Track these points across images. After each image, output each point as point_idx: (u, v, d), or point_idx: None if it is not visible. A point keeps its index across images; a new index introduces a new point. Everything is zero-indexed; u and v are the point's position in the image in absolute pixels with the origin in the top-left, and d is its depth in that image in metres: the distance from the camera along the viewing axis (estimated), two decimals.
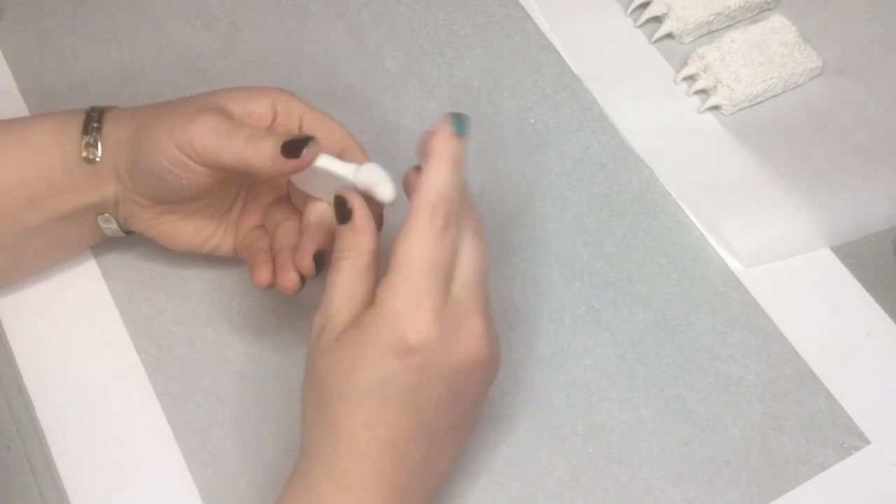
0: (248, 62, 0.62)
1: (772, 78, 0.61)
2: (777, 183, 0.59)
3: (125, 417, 0.50)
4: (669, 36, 0.65)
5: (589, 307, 0.55)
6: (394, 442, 0.41)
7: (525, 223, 0.57)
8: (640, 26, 0.65)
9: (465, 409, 0.43)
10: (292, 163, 0.43)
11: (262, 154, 0.43)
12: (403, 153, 0.59)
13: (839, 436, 0.51)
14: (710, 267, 0.56)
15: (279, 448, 0.49)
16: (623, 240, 0.57)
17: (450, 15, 0.65)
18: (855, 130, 0.61)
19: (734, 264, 0.57)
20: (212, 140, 0.44)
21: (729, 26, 0.65)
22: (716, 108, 0.62)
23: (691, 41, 0.65)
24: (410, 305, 0.39)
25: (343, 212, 0.43)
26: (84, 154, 0.47)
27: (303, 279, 0.47)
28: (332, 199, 0.44)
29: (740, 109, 0.62)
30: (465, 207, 0.42)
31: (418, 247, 0.40)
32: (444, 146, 0.41)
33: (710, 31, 0.65)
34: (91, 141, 0.47)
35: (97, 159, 0.47)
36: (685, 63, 0.63)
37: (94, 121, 0.47)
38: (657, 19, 0.65)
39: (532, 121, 0.61)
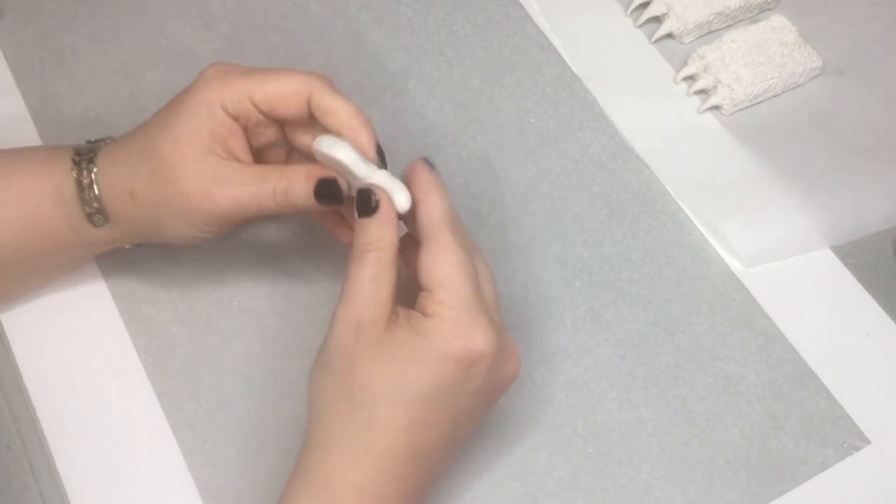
0: (248, 62, 0.62)
1: (772, 78, 0.61)
2: (777, 183, 0.59)
3: (125, 417, 0.50)
4: (669, 36, 0.65)
5: (589, 307, 0.55)
6: (426, 448, 0.41)
7: (525, 223, 0.57)
8: (641, 26, 0.65)
9: (480, 420, 0.44)
10: (330, 206, 0.44)
11: (298, 203, 0.44)
12: (404, 154, 0.59)
13: (839, 436, 0.51)
14: (710, 267, 0.56)
15: (279, 448, 0.49)
16: (623, 240, 0.57)
17: (450, 15, 0.65)
18: (855, 130, 0.61)
19: (734, 264, 0.57)
20: (242, 210, 0.44)
21: (729, 26, 0.65)
22: (716, 108, 0.62)
23: (691, 41, 0.65)
24: (470, 316, 0.40)
25: (367, 204, 0.42)
26: (91, 221, 0.46)
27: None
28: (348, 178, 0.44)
29: (740, 109, 0.62)
30: (464, 231, 0.44)
31: (458, 262, 0.41)
32: (430, 177, 0.43)
33: (710, 31, 0.65)
34: (94, 207, 0.45)
35: (106, 223, 0.46)
36: (685, 63, 0.63)
37: (86, 187, 0.45)
38: (657, 19, 0.65)
39: (532, 121, 0.61)
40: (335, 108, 0.44)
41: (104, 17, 0.63)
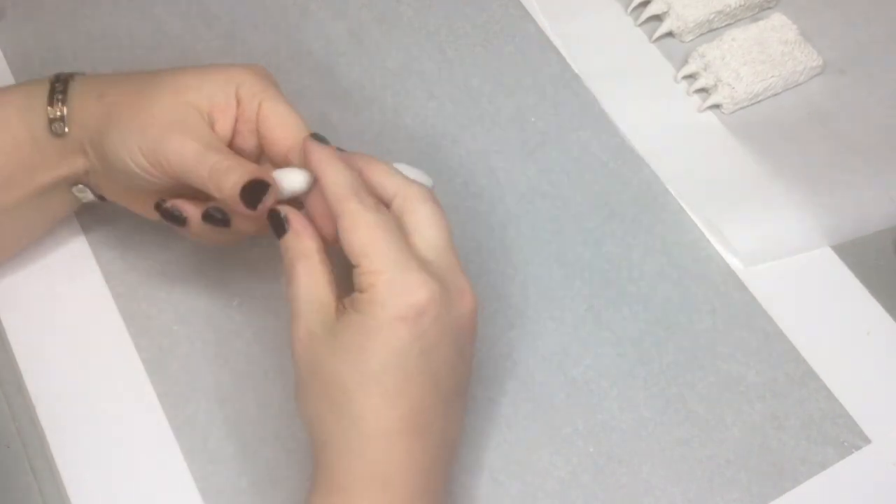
0: (248, 61, 0.62)
1: (772, 76, 0.61)
2: (777, 182, 0.58)
3: (125, 417, 0.50)
4: (670, 34, 0.65)
5: (589, 306, 0.55)
6: (416, 415, 0.40)
7: (525, 222, 0.57)
8: (641, 25, 0.65)
9: (465, 367, 0.43)
10: (250, 212, 0.43)
11: (223, 192, 0.43)
12: (404, 152, 0.59)
13: (840, 435, 0.51)
14: (710, 266, 0.56)
15: (279, 448, 0.49)
16: (623, 239, 0.57)
17: (450, 14, 0.65)
18: (855, 129, 0.61)
19: (734, 263, 0.57)
20: (179, 164, 0.44)
21: (729, 25, 0.65)
22: (716, 106, 0.62)
23: (692, 40, 0.65)
24: (401, 273, 0.40)
25: (279, 221, 0.43)
26: (52, 128, 0.46)
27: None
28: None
29: (741, 108, 0.62)
30: (403, 184, 0.43)
31: (372, 225, 0.40)
32: (321, 153, 0.43)
33: (711, 29, 0.65)
34: (57, 115, 0.46)
35: (65, 133, 0.46)
36: (685, 62, 0.63)
37: (58, 91, 0.46)
38: (657, 18, 0.65)
39: (532, 120, 0.61)
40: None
41: (104, 17, 0.63)
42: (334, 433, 0.41)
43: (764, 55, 0.61)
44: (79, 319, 0.52)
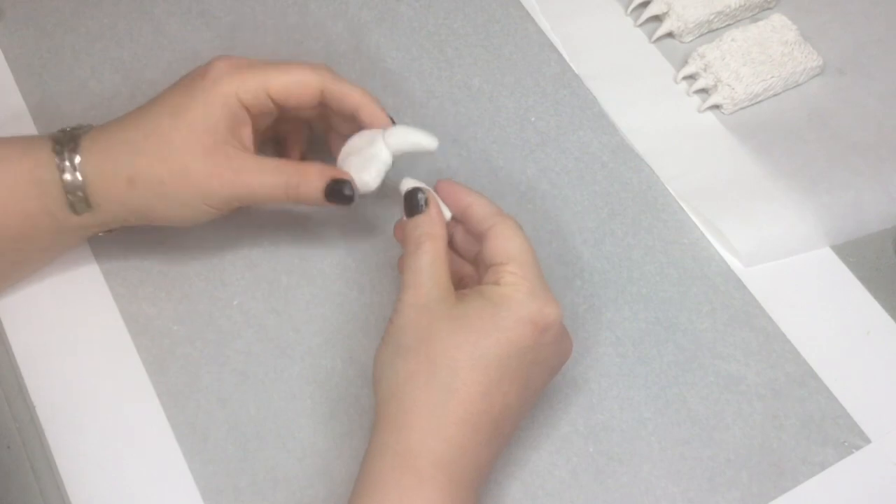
0: None
1: (772, 77, 0.61)
2: (777, 182, 0.58)
3: (125, 417, 0.50)
4: (670, 35, 0.65)
5: (589, 306, 0.55)
6: (500, 415, 0.42)
7: (525, 222, 0.57)
8: (641, 25, 0.65)
9: (534, 400, 0.46)
10: (339, 205, 0.48)
11: (308, 199, 0.48)
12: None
13: (840, 434, 0.51)
14: (710, 266, 0.56)
15: (279, 448, 0.49)
16: (623, 239, 0.57)
17: (450, 14, 0.65)
18: (855, 129, 0.61)
19: (734, 263, 0.57)
20: (248, 194, 0.47)
21: (729, 25, 0.65)
22: (716, 107, 0.62)
23: (691, 40, 0.65)
24: (541, 287, 0.44)
25: (415, 204, 0.46)
26: (73, 208, 0.46)
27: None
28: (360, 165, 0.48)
29: (740, 108, 0.62)
30: (499, 213, 0.47)
31: (526, 241, 0.45)
32: (456, 185, 0.47)
33: (711, 29, 0.65)
34: (79, 195, 0.46)
35: (89, 209, 0.46)
36: (685, 62, 0.63)
37: (66, 160, 0.45)
38: (657, 18, 0.65)
39: (532, 120, 0.61)
40: (349, 92, 0.49)
41: (104, 17, 0.63)
42: (419, 397, 0.42)
43: (764, 56, 0.61)
44: (79, 319, 0.52)
